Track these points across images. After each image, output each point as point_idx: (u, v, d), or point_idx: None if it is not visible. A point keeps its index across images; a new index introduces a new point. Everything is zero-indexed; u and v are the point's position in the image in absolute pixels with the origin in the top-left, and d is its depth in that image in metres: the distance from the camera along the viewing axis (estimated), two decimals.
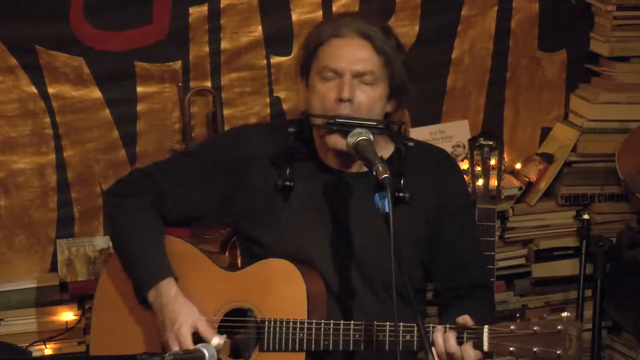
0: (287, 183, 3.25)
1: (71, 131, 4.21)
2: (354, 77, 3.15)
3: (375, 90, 3.18)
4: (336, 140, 3.16)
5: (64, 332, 4.22)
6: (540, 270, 4.67)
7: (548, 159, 4.63)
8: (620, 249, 4.50)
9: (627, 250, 4.47)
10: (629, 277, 4.45)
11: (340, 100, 3.14)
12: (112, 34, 4.15)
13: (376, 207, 2.90)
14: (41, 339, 4.20)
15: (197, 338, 3.17)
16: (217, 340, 3.12)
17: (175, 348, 3.15)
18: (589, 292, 4.58)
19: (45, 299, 4.23)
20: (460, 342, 3.00)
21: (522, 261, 4.67)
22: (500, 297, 4.53)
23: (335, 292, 3.23)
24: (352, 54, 3.16)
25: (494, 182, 3.99)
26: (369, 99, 3.16)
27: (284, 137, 3.26)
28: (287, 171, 3.25)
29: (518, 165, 4.64)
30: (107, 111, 4.22)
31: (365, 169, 3.20)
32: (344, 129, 3.13)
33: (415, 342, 3.05)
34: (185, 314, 3.18)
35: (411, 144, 3.21)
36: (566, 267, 4.68)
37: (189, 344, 3.15)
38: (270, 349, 3.16)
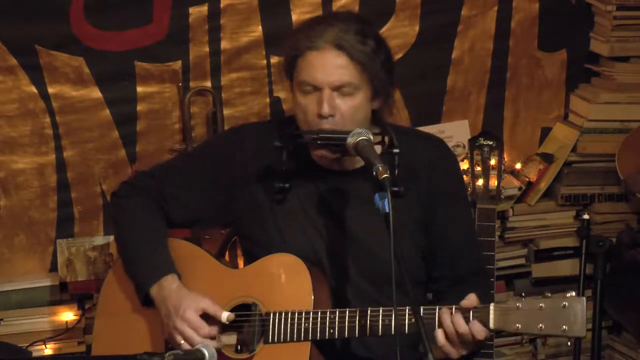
0: (283, 185, 3.27)
1: (71, 131, 4.21)
2: (332, 90, 3.15)
3: (356, 99, 3.18)
4: (321, 154, 3.20)
5: (64, 332, 4.22)
6: (540, 270, 4.67)
7: (548, 159, 4.63)
8: (620, 249, 4.50)
9: (627, 250, 4.47)
10: (629, 277, 4.45)
11: (321, 116, 3.15)
12: (112, 34, 4.15)
13: (376, 206, 2.91)
14: (41, 339, 4.20)
15: (205, 320, 3.19)
16: (226, 315, 3.13)
17: (187, 331, 3.16)
18: (589, 292, 4.57)
19: (45, 299, 4.23)
20: (466, 321, 3.02)
21: (522, 261, 4.67)
22: (500, 297, 4.52)
23: (335, 287, 3.25)
24: (328, 68, 3.15)
25: (494, 182, 4.00)
26: (350, 108, 3.17)
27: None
28: (282, 173, 3.27)
29: (518, 165, 4.64)
30: (107, 111, 4.22)
31: (356, 166, 3.26)
32: (329, 143, 3.15)
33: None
34: (188, 299, 3.19)
35: (396, 150, 3.21)
36: (566, 267, 4.68)
37: (196, 323, 3.16)
38: (275, 340, 3.17)
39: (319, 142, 3.16)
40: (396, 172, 3.19)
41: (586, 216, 4.59)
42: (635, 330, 4.56)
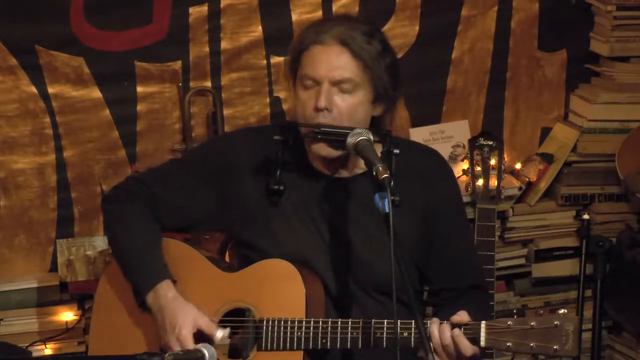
0: (277, 187, 3.26)
1: (71, 131, 4.21)
2: (332, 85, 3.15)
3: (355, 97, 3.17)
4: (320, 148, 3.18)
5: (64, 332, 4.22)
6: (540, 270, 4.67)
7: (548, 159, 4.63)
8: (620, 249, 4.50)
9: (627, 250, 4.47)
10: (629, 277, 4.45)
11: (318, 109, 3.14)
12: (112, 34, 4.15)
13: (376, 207, 2.90)
14: (41, 339, 4.20)
15: (200, 337, 3.17)
16: (221, 334, 3.13)
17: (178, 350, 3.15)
18: (589, 292, 4.57)
19: (45, 299, 4.23)
20: (453, 335, 3.00)
21: (522, 261, 4.66)
22: (500, 297, 4.53)
23: (329, 293, 3.23)
24: (330, 62, 3.15)
25: (494, 182, 4.00)
26: (348, 106, 3.16)
27: (274, 142, 3.26)
28: (277, 175, 3.25)
29: (518, 165, 4.63)
30: (107, 111, 4.22)
31: (354, 173, 3.25)
32: (327, 138, 3.14)
33: (412, 339, 3.05)
34: (184, 314, 3.18)
35: (397, 151, 3.19)
36: (566, 267, 4.67)
37: (190, 346, 3.14)
38: (269, 348, 3.17)
39: (319, 136, 3.15)
40: (393, 174, 3.17)
41: (586, 216, 4.59)
42: (635, 330, 4.56)
